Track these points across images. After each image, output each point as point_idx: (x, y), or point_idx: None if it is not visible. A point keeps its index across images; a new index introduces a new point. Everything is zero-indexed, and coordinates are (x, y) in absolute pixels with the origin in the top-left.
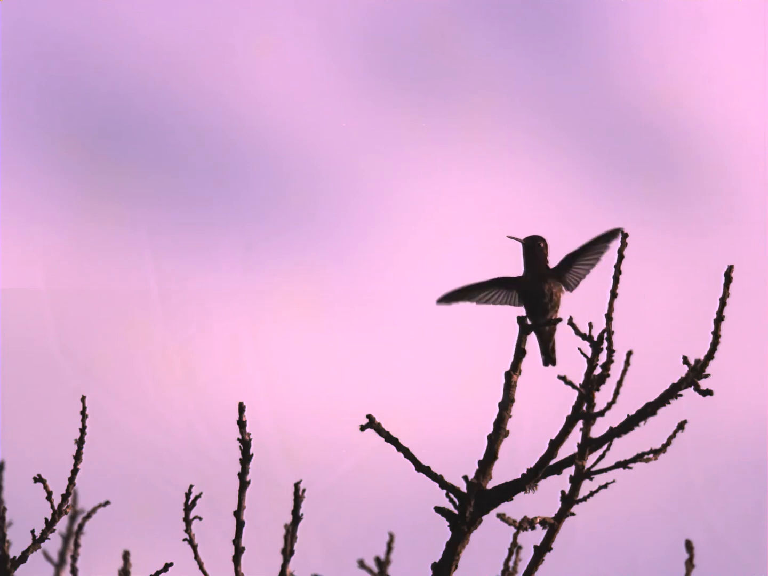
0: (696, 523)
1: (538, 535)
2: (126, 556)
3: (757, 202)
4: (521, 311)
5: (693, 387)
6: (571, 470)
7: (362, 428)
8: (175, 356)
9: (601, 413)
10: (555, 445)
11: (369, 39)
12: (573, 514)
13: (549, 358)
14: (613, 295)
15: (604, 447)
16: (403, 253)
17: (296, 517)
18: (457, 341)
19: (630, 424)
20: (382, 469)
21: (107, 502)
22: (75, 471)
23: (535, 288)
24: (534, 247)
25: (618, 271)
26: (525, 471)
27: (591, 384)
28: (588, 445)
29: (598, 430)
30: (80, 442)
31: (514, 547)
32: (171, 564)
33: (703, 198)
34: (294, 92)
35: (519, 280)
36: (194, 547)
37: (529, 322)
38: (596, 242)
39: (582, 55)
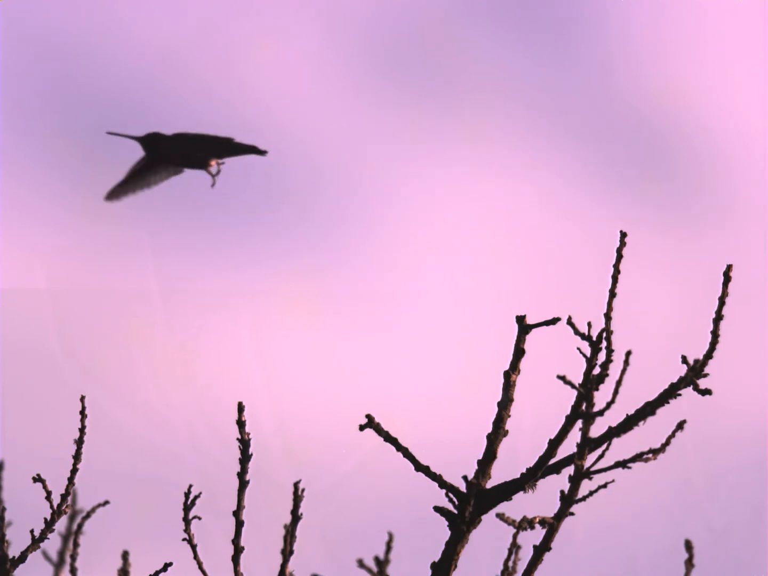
0: (696, 523)
1: (538, 534)
2: (125, 556)
3: (757, 202)
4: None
5: (692, 387)
6: (570, 470)
7: (361, 428)
8: (176, 356)
9: (600, 413)
10: (554, 444)
11: (370, 39)
12: (572, 513)
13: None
14: (612, 294)
15: (604, 447)
16: (404, 253)
17: (295, 517)
18: (457, 341)
19: (629, 423)
20: (382, 469)
21: (107, 502)
22: (74, 471)
23: (178, 147)
24: (158, 140)
25: (617, 271)
26: (524, 470)
27: (590, 383)
28: (587, 444)
29: (597, 429)
30: (80, 442)
31: (514, 547)
32: (170, 564)
33: (703, 197)
34: (295, 92)
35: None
36: (193, 547)
37: (527, 323)
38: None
39: (583, 54)
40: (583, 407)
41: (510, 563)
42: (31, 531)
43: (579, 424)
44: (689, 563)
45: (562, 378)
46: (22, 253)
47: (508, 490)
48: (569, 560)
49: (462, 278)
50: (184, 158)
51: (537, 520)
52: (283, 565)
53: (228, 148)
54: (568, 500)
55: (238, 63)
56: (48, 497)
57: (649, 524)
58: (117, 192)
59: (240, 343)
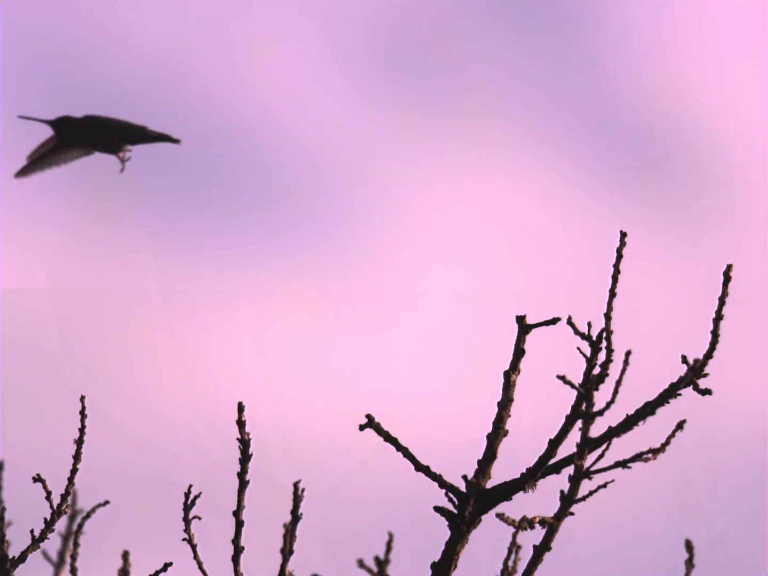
0: (696, 523)
1: (538, 534)
2: (125, 556)
3: (757, 202)
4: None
5: (692, 386)
6: (570, 470)
7: (361, 428)
8: (176, 356)
9: (600, 413)
10: (554, 444)
11: (370, 39)
12: (572, 513)
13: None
14: (612, 294)
15: (603, 446)
16: (404, 253)
17: (295, 517)
18: (457, 341)
19: (629, 423)
20: (382, 469)
21: (107, 502)
22: (74, 471)
23: (90, 125)
24: (69, 124)
25: (617, 271)
26: (524, 470)
27: (590, 383)
28: (587, 444)
29: (597, 429)
30: (79, 442)
31: (514, 547)
32: (170, 564)
33: (703, 197)
34: (295, 92)
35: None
36: (194, 547)
37: (527, 323)
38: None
39: (583, 54)
40: (583, 407)
41: (510, 563)
42: (31, 531)
43: (579, 424)
44: (689, 563)
45: (562, 378)
46: (22, 253)
47: (508, 490)
48: (569, 560)
49: (462, 278)
50: (95, 142)
51: (537, 520)
52: (283, 565)
53: (140, 135)
54: (568, 500)
55: (238, 63)
56: (48, 497)
57: (649, 524)
58: (26, 170)
59: (240, 343)
